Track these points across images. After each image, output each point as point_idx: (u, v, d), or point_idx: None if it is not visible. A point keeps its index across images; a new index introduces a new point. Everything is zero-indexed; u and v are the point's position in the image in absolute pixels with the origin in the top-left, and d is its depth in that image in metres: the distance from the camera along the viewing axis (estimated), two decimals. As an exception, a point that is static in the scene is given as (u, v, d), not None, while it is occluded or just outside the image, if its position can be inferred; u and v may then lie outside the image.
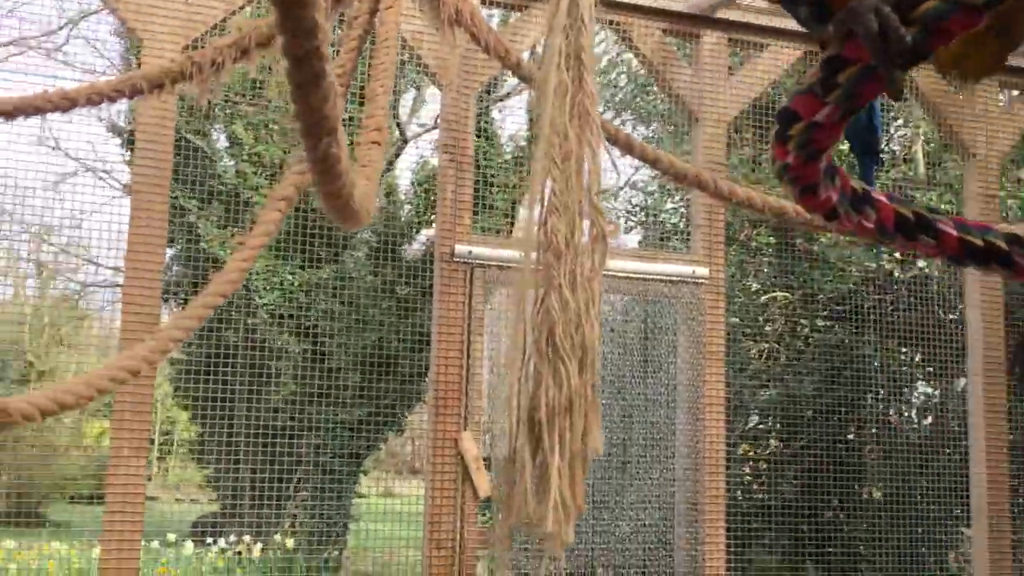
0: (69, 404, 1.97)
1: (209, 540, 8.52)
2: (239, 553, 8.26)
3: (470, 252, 4.01)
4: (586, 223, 1.66)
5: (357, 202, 2.05)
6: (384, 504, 9.24)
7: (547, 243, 1.63)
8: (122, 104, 10.33)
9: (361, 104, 3.79)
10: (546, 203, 1.66)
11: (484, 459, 3.91)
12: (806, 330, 7.64)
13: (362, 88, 3.70)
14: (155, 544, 8.00)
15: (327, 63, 1.38)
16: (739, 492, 7.38)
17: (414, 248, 10.38)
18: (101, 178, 12.77)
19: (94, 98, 2.83)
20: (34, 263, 17.11)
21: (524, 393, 1.54)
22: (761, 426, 7.69)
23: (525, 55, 4.16)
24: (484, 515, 4.41)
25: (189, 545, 8.35)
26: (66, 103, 2.79)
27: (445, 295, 3.99)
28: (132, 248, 3.56)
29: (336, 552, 8.73)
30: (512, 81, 11.24)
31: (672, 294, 4.44)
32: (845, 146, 4.69)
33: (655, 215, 9.57)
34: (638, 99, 10.90)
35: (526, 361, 1.57)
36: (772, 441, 7.69)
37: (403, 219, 10.40)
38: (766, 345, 7.83)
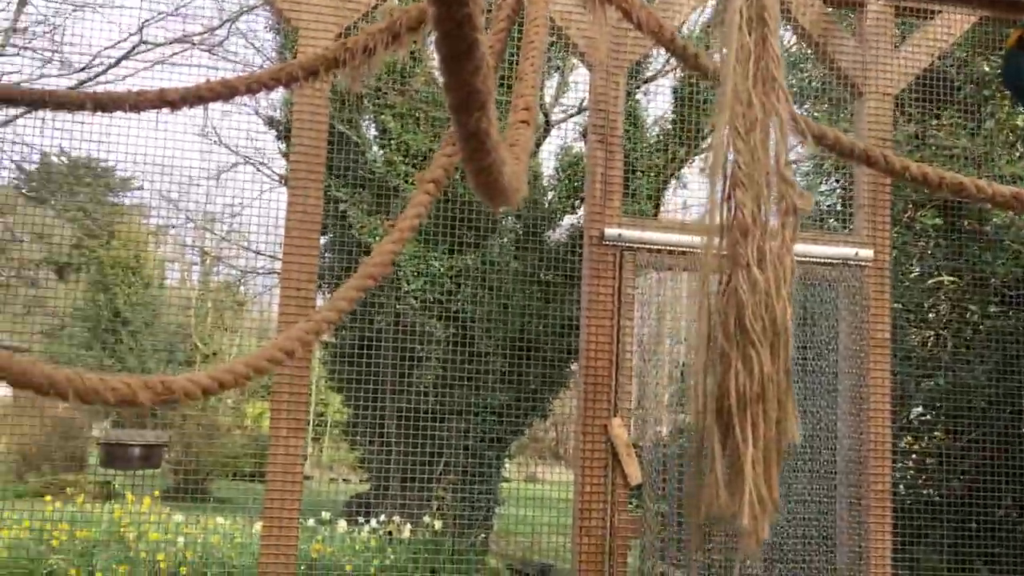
0: (228, 383, 2.01)
1: (361, 519, 8.76)
2: (389, 533, 8.46)
3: (619, 235, 3.93)
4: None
5: (507, 180, 2.00)
6: (529, 489, 9.27)
7: (731, 219, 1.52)
8: (278, 98, 10.74)
9: (508, 89, 3.76)
10: (730, 176, 1.55)
11: (634, 445, 3.82)
12: (975, 316, 7.17)
13: (509, 73, 3.67)
14: (311, 522, 8.29)
15: (480, 33, 1.33)
16: (902, 486, 7.02)
17: (558, 234, 10.36)
18: (259, 169, 13.34)
19: (253, 86, 2.89)
20: (198, 251, 18.08)
21: (711, 380, 1.44)
22: (926, 418, 7.27)
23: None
24: (634, 503, 4.33)
25: (342, 524, 8.61)
26: (227, 91, 2.87)
27: (594, 279, 3.92)
28: (289, 235, 3.65)
29: (482, 535, 8.83)
30: (657, 63, 11.03)
31: (833, 277, 4.22)
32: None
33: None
34: (788, 77, 10.49)
35: (712, 346, 1.47)
36: (938, 433, 7.27)
37: (547, 205, 10.38)
38: (931, 332, 7.39)
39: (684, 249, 3.93)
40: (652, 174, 9.99)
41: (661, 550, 4.00)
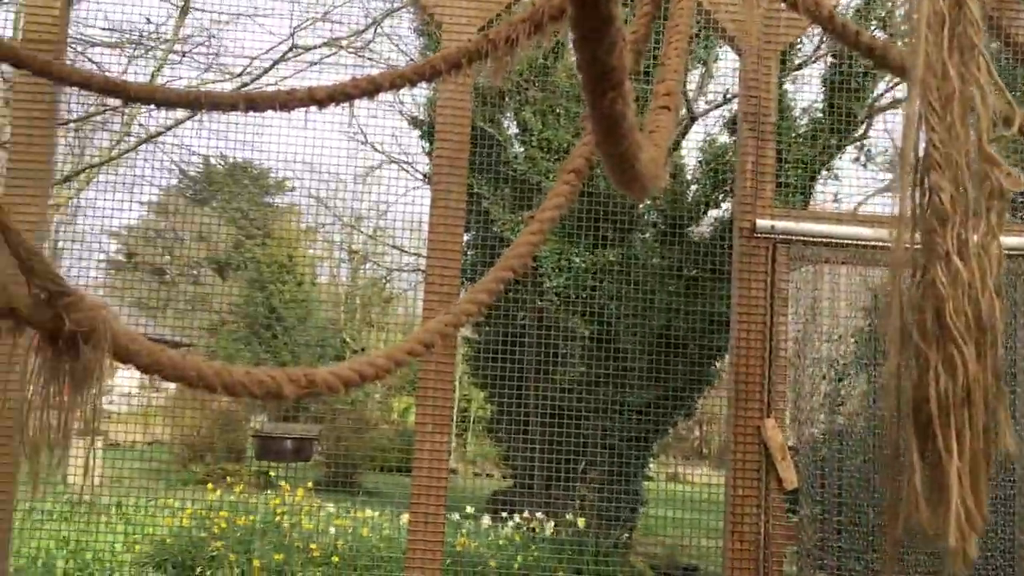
0: (369, 376, 1.99)
1: (504, 515, 8.78)
2: (532, 530, 8.46)
3: (772, 226, 3.74)
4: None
5: (644, 167, 1.89)
6: (674, 489, 9.08)
7: (926, 206, 1.36)
8: (421, 97, 10.92)
9: (647, 81, 3.64)
10: (923, 158, 1.39)
11: (789, 448, 3.63)
12: None
13: (653, 64, 3.55)
14: (455, 516, 8.38)
15: (616, 6, 1.24)
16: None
17: (701, 229, 10.11)
18: (403, 168, 13.61)
19: (397, 82, 2.89)
20: (346, 250, 18.65)
21: (906, 384, 1.29)
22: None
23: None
24: (790, 509, 4.12)
25: (486, 519, 8.67)
26: (372, 88, 2.88)
27: (745, 273, 3.75)
28: (433, 232, 3.65)
29: (626, 534, 8.70)
30: (806, 49, 10.59)
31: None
32: None
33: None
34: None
35: (906, 347, 1.31)
36: None
37: (690, 199, 10.15)
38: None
39: (844, 241, 3.71)
40: (801, 166, 9.61)
41: (819, 559, 3.80)
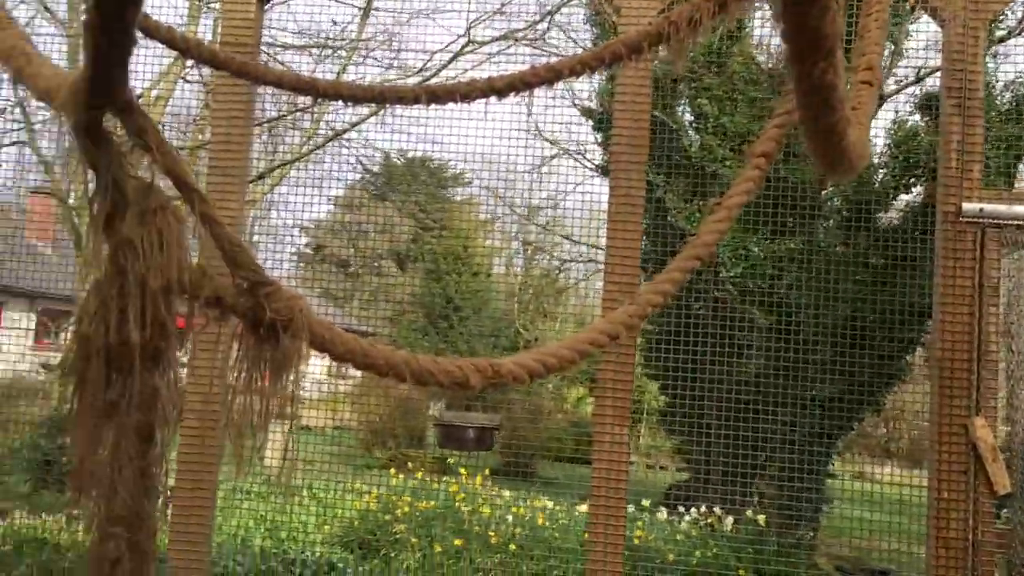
0: (553, 367, 1.97)
1: (681, 509, 8.64)
2: (711, 525, 8.28)
3: (980, 210, 3.45)
4: None
5: (851, 145, 1.77)
6: (860, 489, 8.65)
7: None
8: (594, 87, 10.87)
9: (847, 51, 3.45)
10: None
11: (1001, 449, 3.35)
12: None
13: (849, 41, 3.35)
14: (631, 508, 8.30)
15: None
16: None
17: (890, 215, 9.61)
18: (576, 159, 13.61)
19: (576, 68, 2.85)
20: (520, 241, 18.88)
21: None
22: None
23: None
24: (1001, 514, 3.82)
25: (662, 512, 8.55)
26: (551, 76, 2.85)
27: (949, 260, 3.48)
28: (612, 221, 3.59)
29: (810, 533, 8.38)
30: (1011, 20, 9.82)
31: None
32: None
33: None
34: None
35: None
36: None
37: (877, 184, 9.65)
38: None
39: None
40: (1004, 145, 8.91)
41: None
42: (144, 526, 1.30)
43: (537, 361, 1.92)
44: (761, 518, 8.08)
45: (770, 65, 10.17)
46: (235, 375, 1.56)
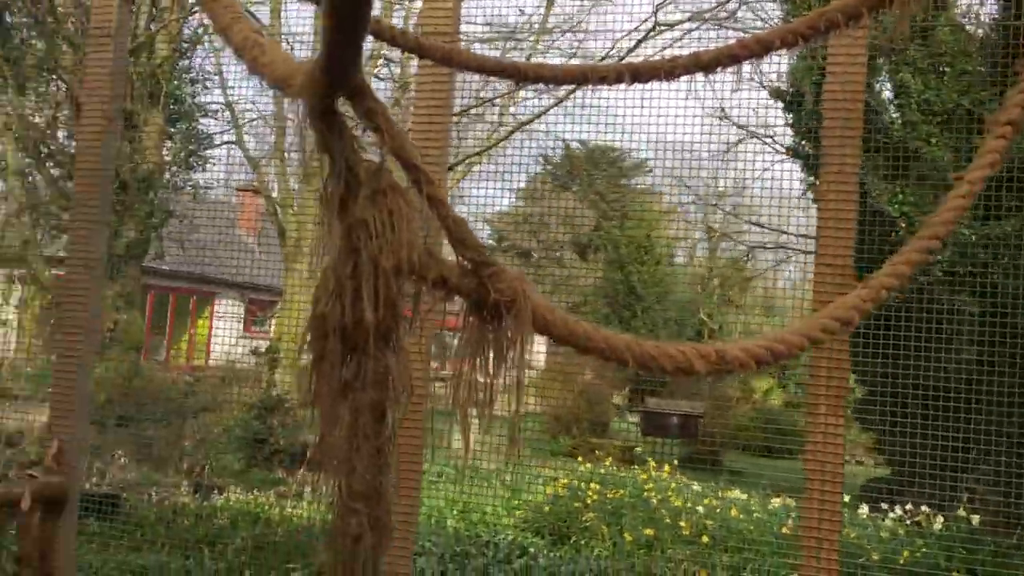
0: (781, 353, 1.87)
1: (883, 506, 8.22)
2: (918, 523, 7.81)
3: None
4: None
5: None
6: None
7: None
8: (783, 67, 10.45)
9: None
10: None
11: None
12: None
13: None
14: (828, 504, 7.95)
15: None
16: None
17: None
18: (764, 143, 13.17)
19: (788, 38, 2.70)
20: (705, 228, 18.48)
21: None
22: None
23: None
24: None
25: (864, 508, 8.15)
26: (760, 48, 2.71)
27: None
28: (824, 203, 3.41)
29: (1030, 536, 7.76)
30: None
31: None
32: None
33: None
34: None
35: None
36: None
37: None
38: None
39: None
40: None
41: None
42: (382, 502, 1.32)
43: (764, 348, 1.83)
44: (975, 518, 7.55)
45: (980, 34, 9.48)
46: (460, 357, 1.56)
